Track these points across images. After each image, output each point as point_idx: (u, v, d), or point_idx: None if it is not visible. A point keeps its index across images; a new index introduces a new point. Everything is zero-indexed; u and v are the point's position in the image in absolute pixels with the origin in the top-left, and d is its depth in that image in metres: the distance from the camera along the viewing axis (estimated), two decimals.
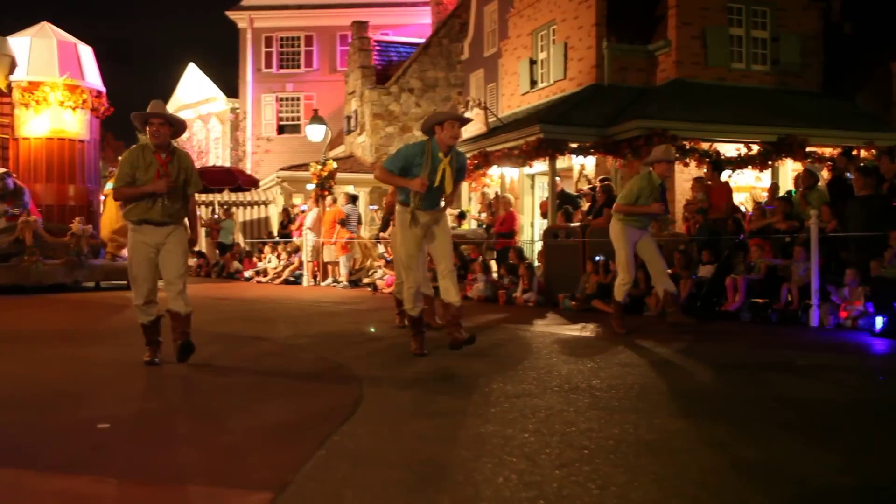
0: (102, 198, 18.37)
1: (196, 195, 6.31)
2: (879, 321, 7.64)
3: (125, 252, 7.79)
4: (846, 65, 17.75)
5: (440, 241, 6.43)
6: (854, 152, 14.02)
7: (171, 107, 40.47)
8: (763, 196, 13.28)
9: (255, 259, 20.46)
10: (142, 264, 5.97)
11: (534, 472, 3.09)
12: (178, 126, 6.14)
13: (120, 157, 6.31)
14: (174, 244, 6.01)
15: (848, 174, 10.97)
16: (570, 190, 16.55)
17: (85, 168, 16.95)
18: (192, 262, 20.39)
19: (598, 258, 10.85)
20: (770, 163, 14.93)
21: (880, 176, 9.58)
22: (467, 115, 18.44)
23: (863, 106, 17.15)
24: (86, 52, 17.22)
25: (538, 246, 13.96)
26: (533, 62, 19.16)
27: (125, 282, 14.93)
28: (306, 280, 17.56)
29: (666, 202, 8.33)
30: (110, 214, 16.64)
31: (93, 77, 17.16)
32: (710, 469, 3.16)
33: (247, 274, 19.57)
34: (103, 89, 17.28)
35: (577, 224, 12.34)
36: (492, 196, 16.73)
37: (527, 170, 17.37)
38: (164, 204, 5.92)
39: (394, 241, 8.06)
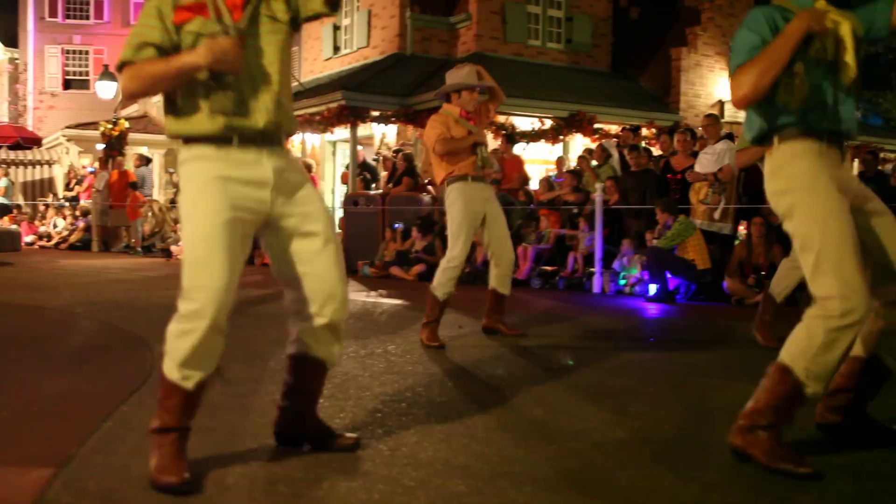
0: None
1: None
2: (653, 288, 8.29)
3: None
4: (632, 48, 18.88)
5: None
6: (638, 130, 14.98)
7: None
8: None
9: (36, 222, 19.14)
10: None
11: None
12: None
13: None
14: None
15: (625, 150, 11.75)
16: (371, 157, 16.65)
17: None
18: None
19: (396, 226, 11.03)
20: (561, 137, 15.70)
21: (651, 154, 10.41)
22: None
23: (646, 87, 18.33)
24: None
25: (339, 213, 13.98)
26: (336, 28, 19.01)
27: None
28: (95, 245, 16.66)
29: None
30: None
31: None
32: (497, 428, 3.35)
33: (28, 238, 18.29)
34: None
35: (377, 192, 12.47)
36: None
37: (328, 136, 17.27)
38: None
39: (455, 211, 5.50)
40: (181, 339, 2.63)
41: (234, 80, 2.64)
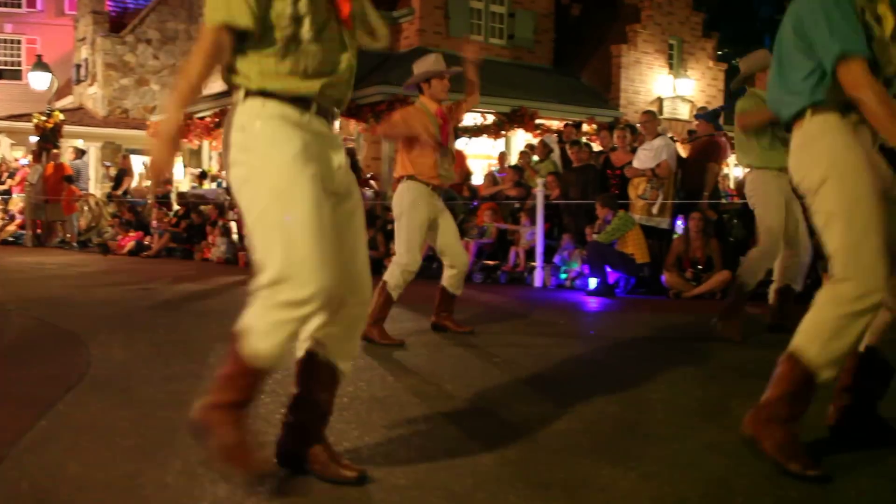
0: None
1: None
2: (593, 282, 8.40)
3: None
4: (574, 44, 19.06)
5: None
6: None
7: None
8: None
9: None
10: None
11: (269, 432, 3.11)
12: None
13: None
14: None
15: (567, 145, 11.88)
16: None
17: None
18: None
19: None
20: (503, 132, 15.80)
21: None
22: None
23: (587, 83, 18.53)
24: None
25: None
26: None
27: None
28: (29, 240, 16.25)
29: None
30: None
31: None
32: (438, 421, 3.37)
33: None
34: None
35: None
36: None
37: None
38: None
39: None
40: (287, 326, 2.37)
41: (328, 47, 2.44)
